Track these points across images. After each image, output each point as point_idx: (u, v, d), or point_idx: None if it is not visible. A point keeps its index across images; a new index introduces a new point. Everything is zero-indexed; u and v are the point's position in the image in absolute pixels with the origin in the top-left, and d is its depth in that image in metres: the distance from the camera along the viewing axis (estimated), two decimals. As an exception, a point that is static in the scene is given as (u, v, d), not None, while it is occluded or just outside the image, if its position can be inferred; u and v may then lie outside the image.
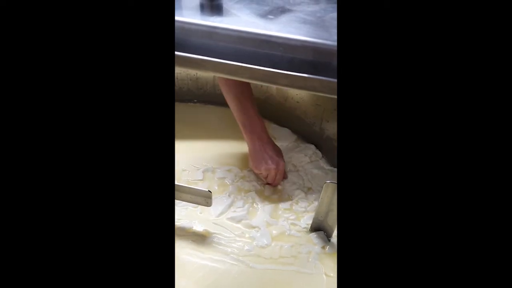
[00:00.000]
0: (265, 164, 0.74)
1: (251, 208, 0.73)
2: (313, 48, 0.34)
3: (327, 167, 0.84)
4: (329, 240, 0.69)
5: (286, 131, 0.91)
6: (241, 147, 0.84)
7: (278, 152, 0.77)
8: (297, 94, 0.89)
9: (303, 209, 0.74)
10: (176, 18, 0.38)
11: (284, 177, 0.79)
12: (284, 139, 0.89)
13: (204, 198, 0.65)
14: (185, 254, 0.64)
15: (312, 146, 0.87)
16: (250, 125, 0.74)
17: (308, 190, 0.78)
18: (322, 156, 0.86)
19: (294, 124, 0.91)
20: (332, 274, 0.63)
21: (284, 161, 0.77)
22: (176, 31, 0.37)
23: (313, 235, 0.69)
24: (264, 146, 0.75)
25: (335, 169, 0.82)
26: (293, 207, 0.75)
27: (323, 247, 0.67)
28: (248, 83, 0.74)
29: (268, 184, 0.78)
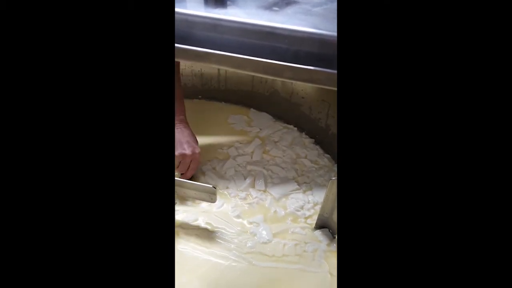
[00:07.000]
0: (180, 149, 0.67)
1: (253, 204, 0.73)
2: (318, 40, 0.34)
3: (330, 163, 0.83)
4: (334, 237, 0.68)
5: (291, 126, 0.92)
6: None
7: (194, 138, 0.71)
8: (302, 89, 0.88)
9: (309, 206, 0.74)
10: (180, 10, 0.37)
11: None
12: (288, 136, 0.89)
13: (208, 194, 0.65)
14: (188, 249, 0.64)
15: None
16: None
17: (311, 189, 0.78)
18: (327, 153, 0.85)
19: (300, 120, 0.91)
20: (335, 274, 0.62)
21: (199, 149, 0.71)
22: (179, 23, 0.37)
23: (318, 232, 0.69)
24: (182, 130, 0.69)
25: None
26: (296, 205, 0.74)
27: (328, 245, 0.67)
28: (177, 63, 0.67)
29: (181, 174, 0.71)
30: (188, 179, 0.75)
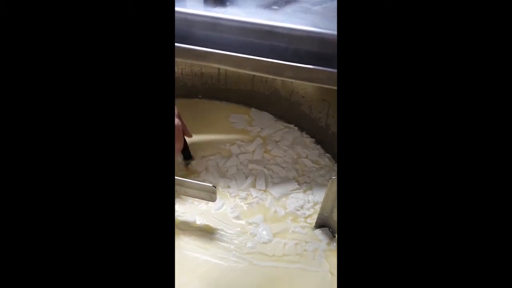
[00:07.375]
0: None
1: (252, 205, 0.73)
2: (318, 39, 0.33)
3: (331, 163, 0.83)
4: (334, 236, 0.68)
5: (292, 126, 0.91)
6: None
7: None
8: (302, 88, 0.88)
9: (309, 206, 0.74)
10: (179, 9, 0.37)
11: (188, 135, 0.73)
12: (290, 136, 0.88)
13: (208, 193, 0.64)
14: (188, 250, 0.64)
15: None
16: None
17: (311, 188, 0.77)
18: (327, 152, 0.85)
19: (300, 119, 0.91)
20: (335, 273, 0.62)
21: (180, 121, 0.68)
22: (179, 22, 0.37)
23: (318, 232, 0.69)
24: None
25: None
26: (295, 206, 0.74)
27: (328, 244, 0.67)
28: None
29: None
30: (183, 166, 0.73)
